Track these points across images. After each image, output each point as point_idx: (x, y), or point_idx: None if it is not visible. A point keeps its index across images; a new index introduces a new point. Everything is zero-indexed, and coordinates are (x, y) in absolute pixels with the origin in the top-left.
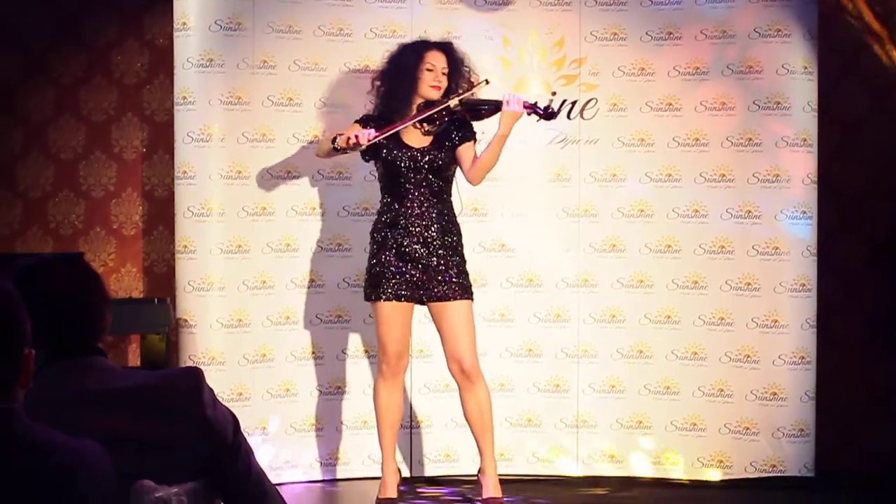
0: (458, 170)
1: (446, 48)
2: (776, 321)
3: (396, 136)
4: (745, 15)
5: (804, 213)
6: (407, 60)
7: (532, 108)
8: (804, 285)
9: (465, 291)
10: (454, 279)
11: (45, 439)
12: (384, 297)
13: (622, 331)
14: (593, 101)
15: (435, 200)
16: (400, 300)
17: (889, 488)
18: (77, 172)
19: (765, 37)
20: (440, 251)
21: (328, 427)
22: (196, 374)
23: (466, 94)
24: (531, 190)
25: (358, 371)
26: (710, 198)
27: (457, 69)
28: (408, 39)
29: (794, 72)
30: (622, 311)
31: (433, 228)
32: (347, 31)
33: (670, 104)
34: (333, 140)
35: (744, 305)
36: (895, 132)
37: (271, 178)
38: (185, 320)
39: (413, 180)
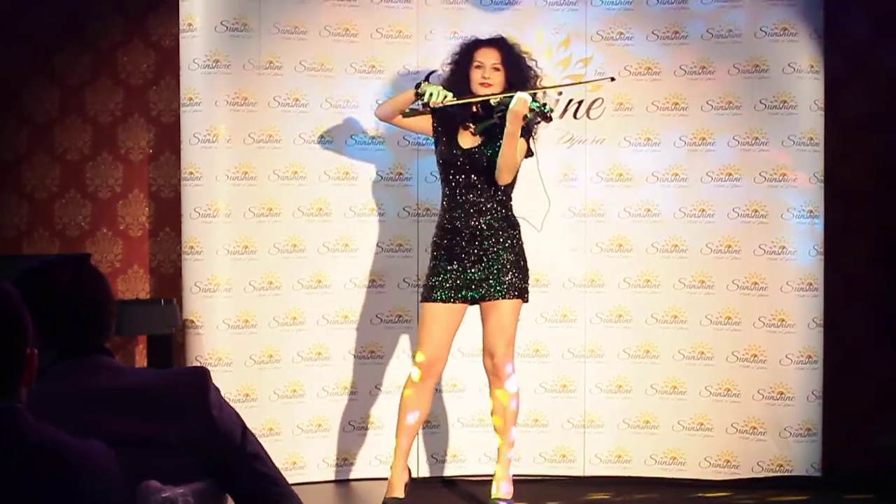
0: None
1: (498, 43)
2: (783, 320)
3: (452, 136)
4: (751, 14)
5: (811, 212)
6: (460, 59)
7: (534, 111)
8: (811, 284)
9: (517, 291)
10: (507, 278)
11: (49, 439)
12: (432, 298)
13: (629, 330)
14: (599, 101)
15: (489, 202)
16: (448, 302)
17: (895, 487)
18: (83, 173)
19: (771, 36)
20: (493, 251)
21: (335, 428)
22: (203, 374)
23: (506, 94)
24: (538, 189)
25: (365, 372)
26: (716, 197)
27: (512, 63)
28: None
29: (800, 71)
30: (629, 310)
31: (489, 229)
32: (353, 32)
33: (676, 103)
34: (417, 86)
35: (750, 305)
36: None
37: (278, 178)
38: (192, 321)
39: (465, 181)
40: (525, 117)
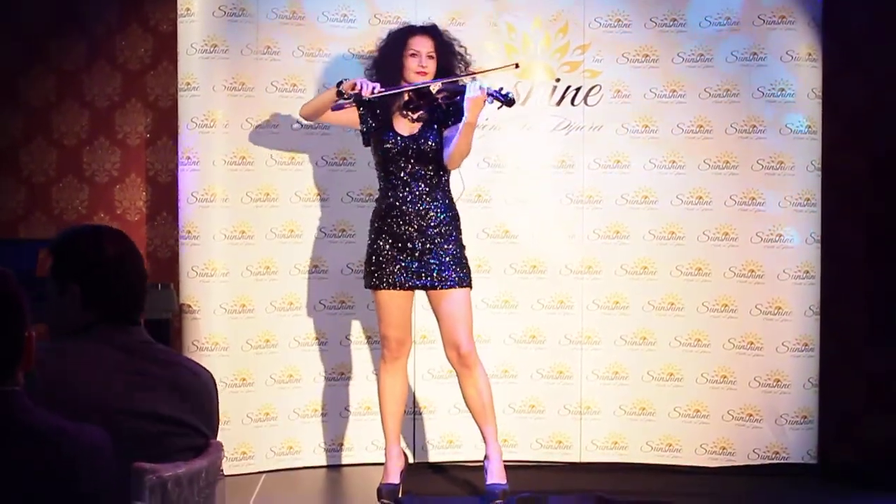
0: None
1: (431, 31)
2: (779, 308)
3: (388, 123)
4: (749, 2)
5: (808, 200)
6: (392, 47)
7: (494, 95)
8: (807, 272)
9: (462, 279)
10: (451, 267)
11: (45, 422)
12: (382, 285)
13: (625, 317)
14: (597, 88)
15: (429, 187)
16: (397, 288)
17: (891, 475)
18: (81, 158)
19: (769, 24)
20: (436, 239)
21: (332, 413)
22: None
23: (448, 79)
24: (535, 176)
25: (361, 357)
26: (713, 184)
27: (445, 51)
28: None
29: (798, 59)
30: (625, 297)
31: (428, 216)
32: (351, 17)
33: (674, 91)
34: (339, 84)
35: (747, 292)
36: None
37: (275, 163)
38: (189, 306)
39: (405, 168)
40: (483, 103)
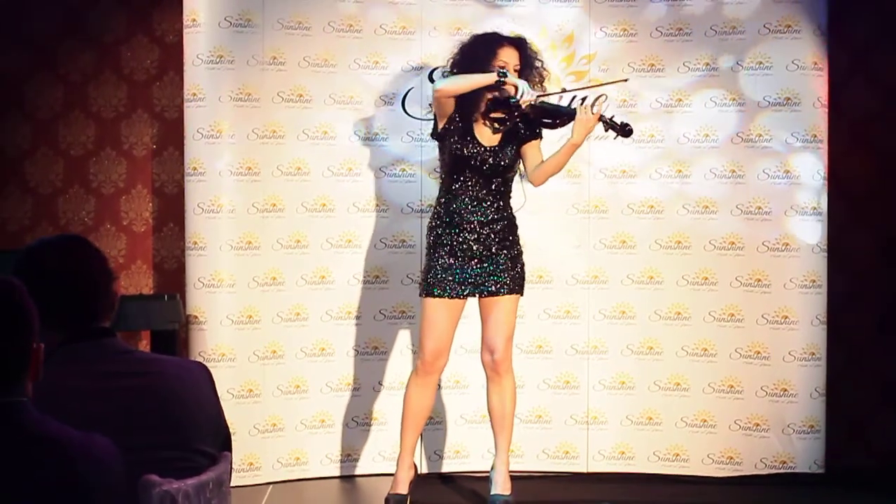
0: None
1: (519, 44)
2: (786, 317)
3: (469, 128)
4: (754, 11)
5: (814, 209)
6: (480, 54)
7: (607, 122)
8: (814, 281)
9: (517, 286)
10: (508, 274)
11: (53, 433)
12: (433, 293)
13: (632, 327)
14: (603, 98)
15: (492, 198)
16: (449, 297)
17: None
18: (87, 169)
19: (775, 33)
20: (494, 248)
21: (339, 423)
22: (208, 368)
23: (543, 96)
24: (542, 186)
25: (368, 367)
26: (719, 194)
27: (529, 65)
28: (482, 31)
29: (804, 68)
30: (632, 307)
31: (489, 225)
32: (357, 28)
33: (680, 100)
34: (503, 75)
35: (754, 302)
36: None
37: (281, 174)
38: (195, 317)
39: (474, 178)
40: (594, 127)
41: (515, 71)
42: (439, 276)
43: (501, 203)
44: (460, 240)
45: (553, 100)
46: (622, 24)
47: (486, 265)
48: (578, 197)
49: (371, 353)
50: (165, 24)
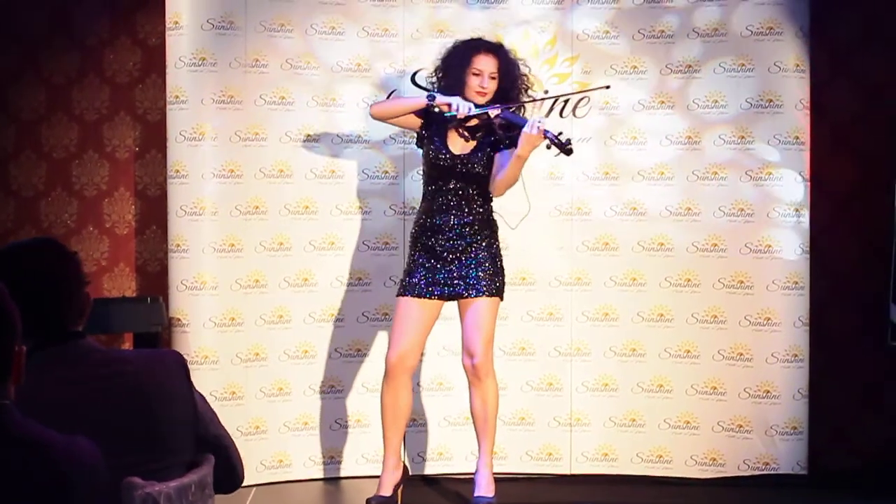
0: None
1: (496, 51)
2: (769, 319)
3: (443, 136)
4: (737, 13)
5: (796, 210)
6: (455, 62)
7: (551, 139)
8: (797, 283)
9: (494, 288)
10: (484, 276)
11: (36, 435)
12: (407, 293)
13: (615, 329)
14: (585, 100)
15: (469, 202)
16: (423, 297)
17: (881, 486)
18: (70, 171)
19: (757, 35)
20: (470, 251)
21: (322, 426)
22: (182, 356)
23: (509, 106)
24: (523, 188)
25: (351, 370)
26: (702, 196)
27: (509, 72)
28: (464, 36)
29: (786, 70)
30: (615, 309)
31: (465, 229)
32: (339, 30)
33: (662, 102)
34: (431, 98)
35: (736, 303)
36: (887, 130)
37: (264, 176)
38: (178, 319)
39: (450, 184)
40: (538, 142)
41: (492, 78)
42: (414, 276)
43: (479, 208)
44: (435, 243)
45: (528, 110)
46: (604, 26)
47: (461, 268)
48: (561, 199)
49: (354, 355)
50: (148, 27)
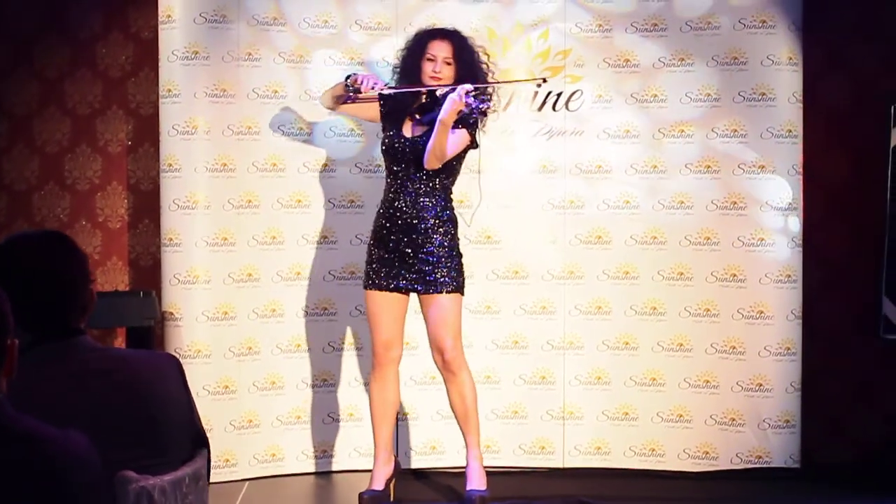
0: (461, 163)
1: (451, 36)
2: (762, 312)
3: (399, 123)
4: (729, 6)
5: (789, 204)
6: (411, 50)
7: (469, 104)
8: (789, 276)
9: (454, 285)
10: (443, 271)
11: (30, 430)
12: (373, 286)
13: (608, 322)
14: (578, 93)
15: (427, 191)
16: (389, 290)
17: (874, 479)
18: (62, 165)
19: (750, 28)
20: (429, 244)
21: (314, 420)
22: (177, 359)
23: (450, 86)
24: (516, 182)
25: (344, 363)
26: (695, 189)
27: (464, 58)
28: (418, 28)
29: (779, 63)
30: (608, 302)
31: (422, 220)
32: (332, 24)
33: (655, 95)
34: (347, 78)
35: (729, 297)
36: (880, 123)
37: (256, 170)
38: (171, 313)
39: (405, 170)
40: (461, 111)
41: (447, 64)
42: (374, 267)
43: (436, 199)
44: (390, 233)
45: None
46: (597, 19)
47: (418, 263)
48: (554, 192)
49: (347, 349)
50: (141, 21)
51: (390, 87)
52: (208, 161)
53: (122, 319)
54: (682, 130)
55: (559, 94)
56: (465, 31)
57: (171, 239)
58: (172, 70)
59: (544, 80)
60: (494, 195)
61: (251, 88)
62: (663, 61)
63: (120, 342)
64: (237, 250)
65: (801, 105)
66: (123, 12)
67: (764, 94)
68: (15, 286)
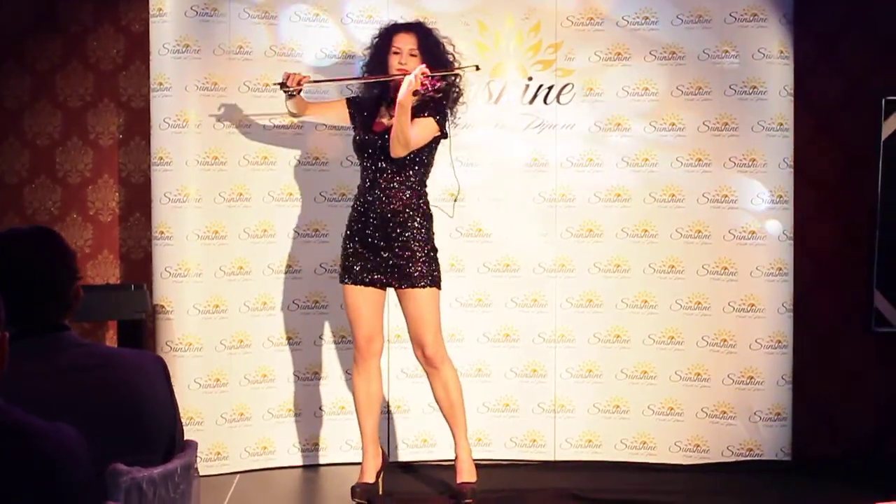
0: (432, 154)
1: (414, 28)
2: (752, 305)
3: (367, 121)
4: (721, 0)
5: (780, 197)
6: (377, 46)
7: (426, 86)
8: (780, 269)
9: (429, 279)
10: (416, 267)
11: (18, 422)
12: (349, 280)
13: (599, 315)
14: (569, 87)
15: (398, 185)
16: (365, 284)
17: (865, 472)
18: (53, 158)
19: (741, 21)
20: (402, 239)
21: (306, 413)
22: (163, 360)
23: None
24: (508, 175)
25: (335, 356)
26: (686, 182)
27: (428, 49)
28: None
29: (770, 56)
30: (599, 295)
31: (396, 214)
32: (323, 17)
33: (646, 89)
34: (278, 83)
35: (720, 290)
36: (870, 116)
37: (248, 163)
38: (162, 306)
39: (375, 164)
40: (416, 91)
41: (412, 55)
42: (349, 262)
43: (412, 194)
44: (364, 227)
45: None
46: (588, 12)
47: (393, 258)
48: (545, 185)
49: (338, 342)
50: (132, 14)
51: (315, 80)
52: (199, 154)
53: (114, 312)
54: (673, 123)
55: (550, 88)
56: (427, 24)
57: (162, 232)
58: (163, 63)
59: (478, 67)
60: (485, 188)
61: (242, 82)
62: (654, 54)
63: (111, 335)
64: (228, 243)
65: (791, 98)
66: (114, 5)
67: (755, 87)
68: (1, 281)
